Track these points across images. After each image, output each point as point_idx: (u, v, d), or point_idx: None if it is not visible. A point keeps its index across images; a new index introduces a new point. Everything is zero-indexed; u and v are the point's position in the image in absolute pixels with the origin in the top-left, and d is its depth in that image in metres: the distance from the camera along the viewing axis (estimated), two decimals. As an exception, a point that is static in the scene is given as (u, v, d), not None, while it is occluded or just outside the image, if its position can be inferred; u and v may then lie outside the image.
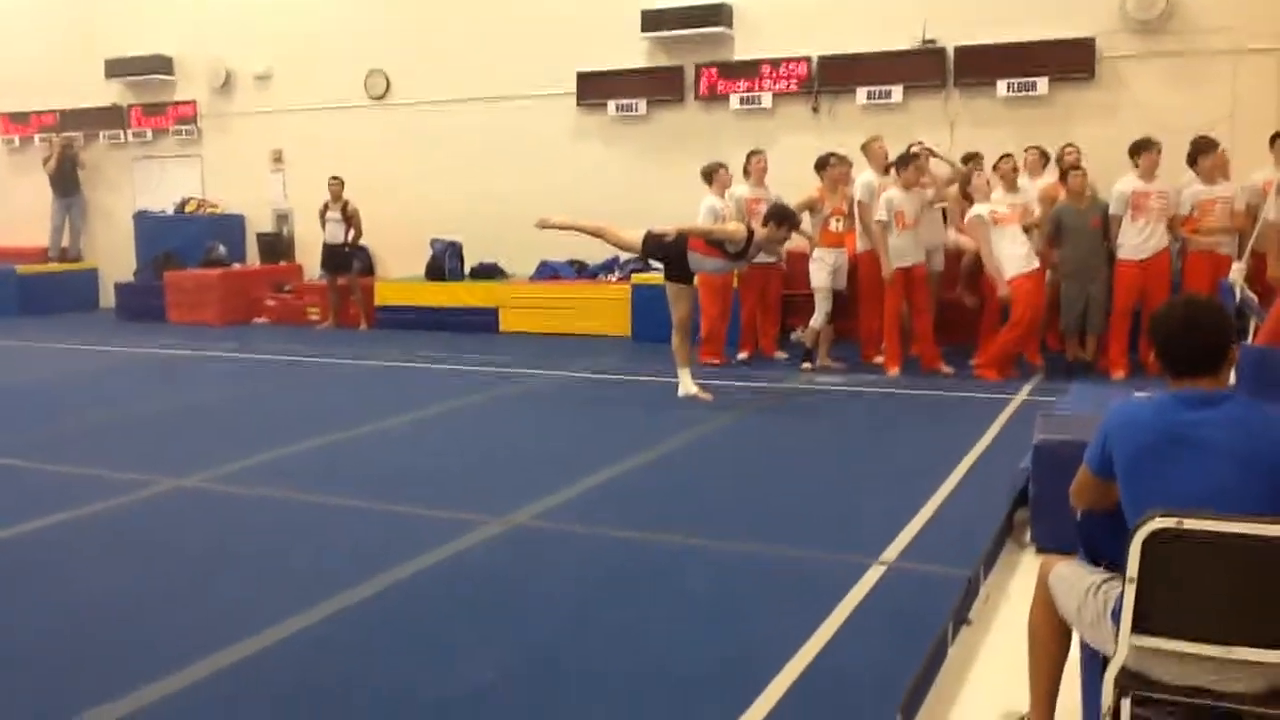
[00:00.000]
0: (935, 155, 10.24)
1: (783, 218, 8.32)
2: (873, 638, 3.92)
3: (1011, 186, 9.43)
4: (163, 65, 16.07)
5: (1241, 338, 2.93)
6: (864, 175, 9.85)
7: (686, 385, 8.30)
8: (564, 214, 9.21)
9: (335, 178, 13.56)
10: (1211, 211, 9.05)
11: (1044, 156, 10.24)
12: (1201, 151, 9.05)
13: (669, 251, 8.35)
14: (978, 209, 9.00)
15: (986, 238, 8.89)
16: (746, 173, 10.40)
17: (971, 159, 9.91)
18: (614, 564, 4.82)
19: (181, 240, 15.47)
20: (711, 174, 10.24)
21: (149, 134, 16.48)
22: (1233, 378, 3.07)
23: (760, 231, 8.29)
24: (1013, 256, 8.83)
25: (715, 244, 8.26)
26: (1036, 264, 8.94)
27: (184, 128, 16.19)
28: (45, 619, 4.29)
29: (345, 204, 13.55)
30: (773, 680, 3.55)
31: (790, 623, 4.00)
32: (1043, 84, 11.31)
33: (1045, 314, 9.32)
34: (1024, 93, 11.40)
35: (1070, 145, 9.89)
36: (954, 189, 9.73)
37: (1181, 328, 2.83)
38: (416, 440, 7.50)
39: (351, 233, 13.62)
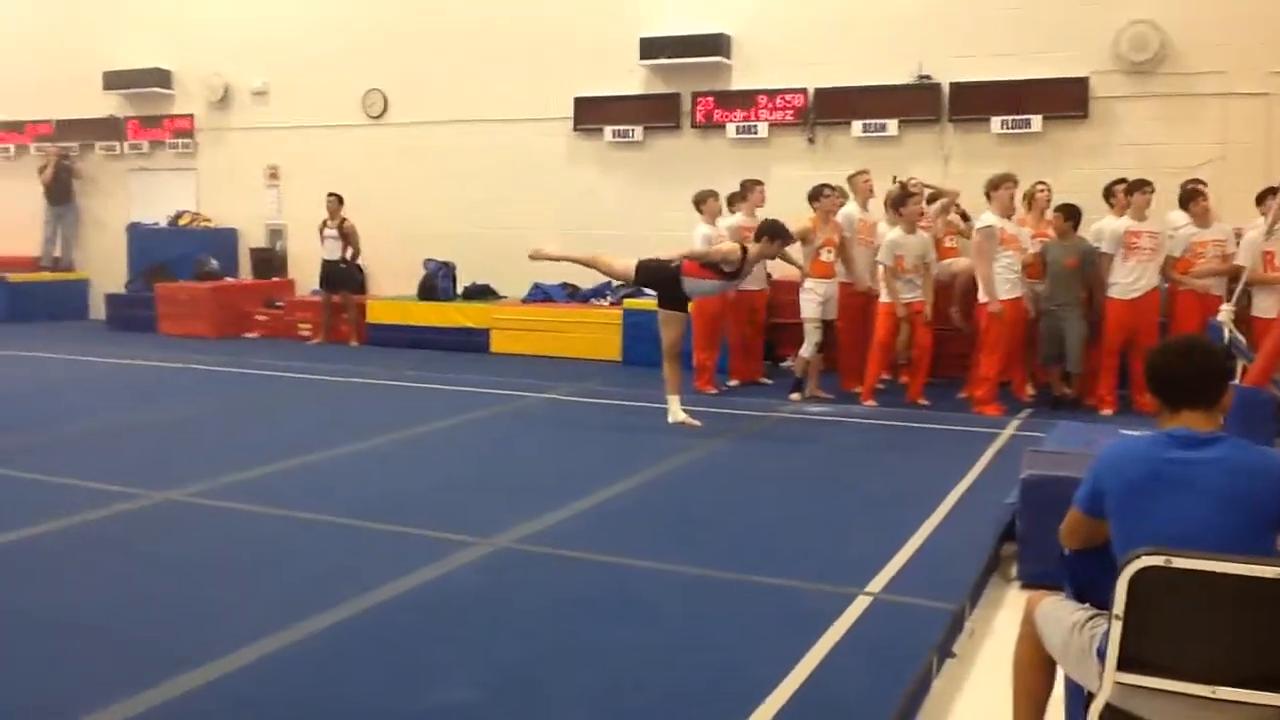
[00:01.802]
0: (928, 187, 10.27)
1: (775, 233, 8.37)
2: (857, 669, 3.91)
3: (1008, 213, 9.23)
4: (161, 78, 16.09)
5: (1229, 378, 2.95)
6: (846, 208, 9.93)
7: (675, 412, 8.30)
8: (556, 244, 9.23)
9: (333, 194, 13.61)
10: (1204, 254, 9.13)
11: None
12: (1194, 196, 9.16)
13: (662, 278, 8.38)
14: (988, 219, 9.04)
15: (991, 252, 8.93)
16: (743, 199, 10.45)
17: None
18: (598, 589, 4.80)
19: (174, 253, 15.46)
20: (702, 202, 10.29)
21: (145, 146, 16.49)
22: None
23: (753, 248, 8.35)
24: (1004, 278, 8.90)
25: (710, 266, 8.28)
26: (1019, 293, 9.04)
27: (180, 141, 16.20)
28: (17, 630, 4.26)
29: (342, 221, 13.60)
30: (756, 709, 3.53)
31: (775, 652, 3.99)
32: (1036, 122, 11.41)
33: (1024, 348, 9.38)
34: (1017, 130, 11.49)
35: (1041, 183, 9.95)
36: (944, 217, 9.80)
37: (1182, 360, 2.85)
38: (403, 460, 7.48)
39: (349, 250, 13.65)
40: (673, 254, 8.38)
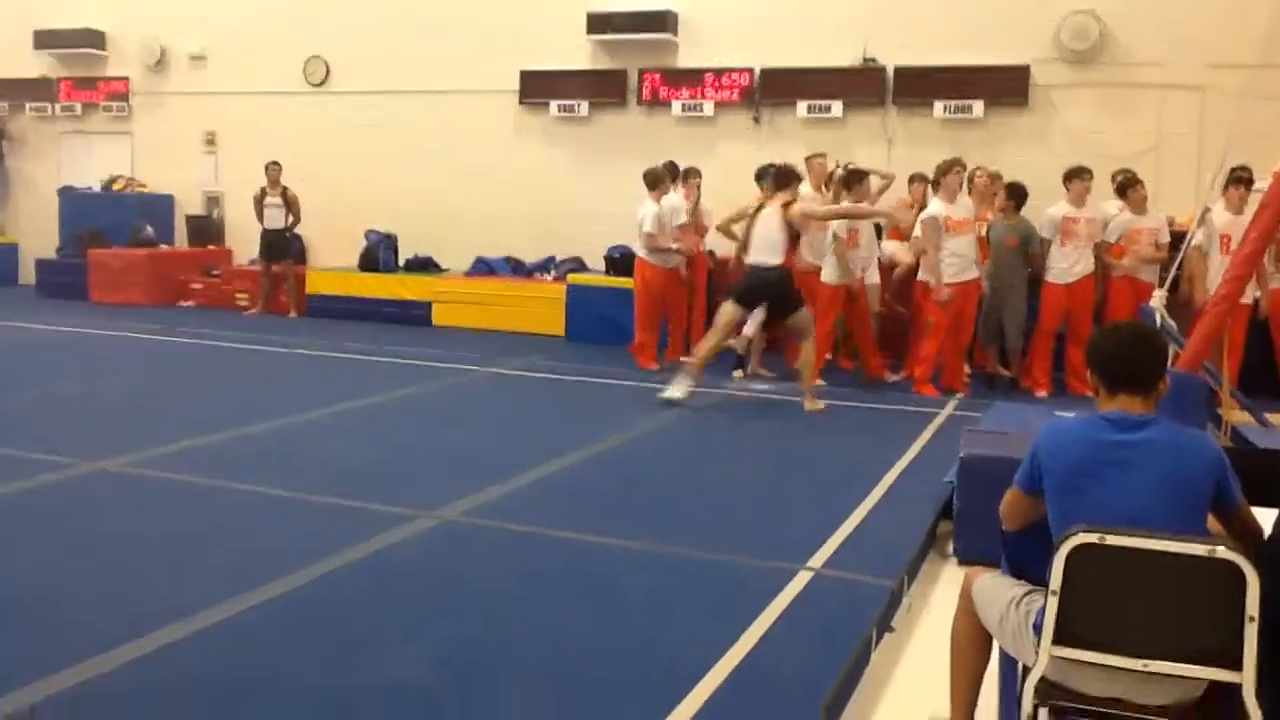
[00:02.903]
0: (871, 171, 10.34)
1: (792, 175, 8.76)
2: (798, 643, 3.97)
3: (953, 199, 9.34)
4: (95, 39, 15.69)
5: (1167, 366, 3.03)
6: (801, 188, 9.92)
7: (812, 403, 8.41)
8: (705, 351, 8.69)
9: (274, 163, 13.38)
10: (1139, 241, 9.32)
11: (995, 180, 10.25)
12: (1131, 184, 9.35)
13: (767, 288, 8.40)
14: (932, 209, 9.15)
15: (936, 241, 9.04)
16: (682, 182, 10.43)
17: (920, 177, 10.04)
18: (542, 563, 4.81)
19: (108, 219, 15.12)
20: (658, 181, 10.17)
21: (78, 108, 16.08)
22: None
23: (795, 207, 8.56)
24: (951, 263, 9.01)
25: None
26: (969, 277, 9.11)
27: (115, 104, 15.82)
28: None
29: (285, 189, 13.38)
30: (699, 683, 3.58)
31: (717, 626, 4.03)
32: (978, 107, 11.56)
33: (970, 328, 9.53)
34: (960, 115, 11.63)
35: (980, 168, 10.05)
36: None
37: (1126, 344, 2.92)
38: (344, 432, 7.42)
39: (290, 218, 13.45)
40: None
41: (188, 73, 15.38)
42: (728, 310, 8.51)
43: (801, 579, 4.59)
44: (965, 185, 9.85)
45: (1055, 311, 9.28)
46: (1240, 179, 8.72)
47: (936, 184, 9.29)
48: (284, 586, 4.36)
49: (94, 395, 8.43)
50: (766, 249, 8.41)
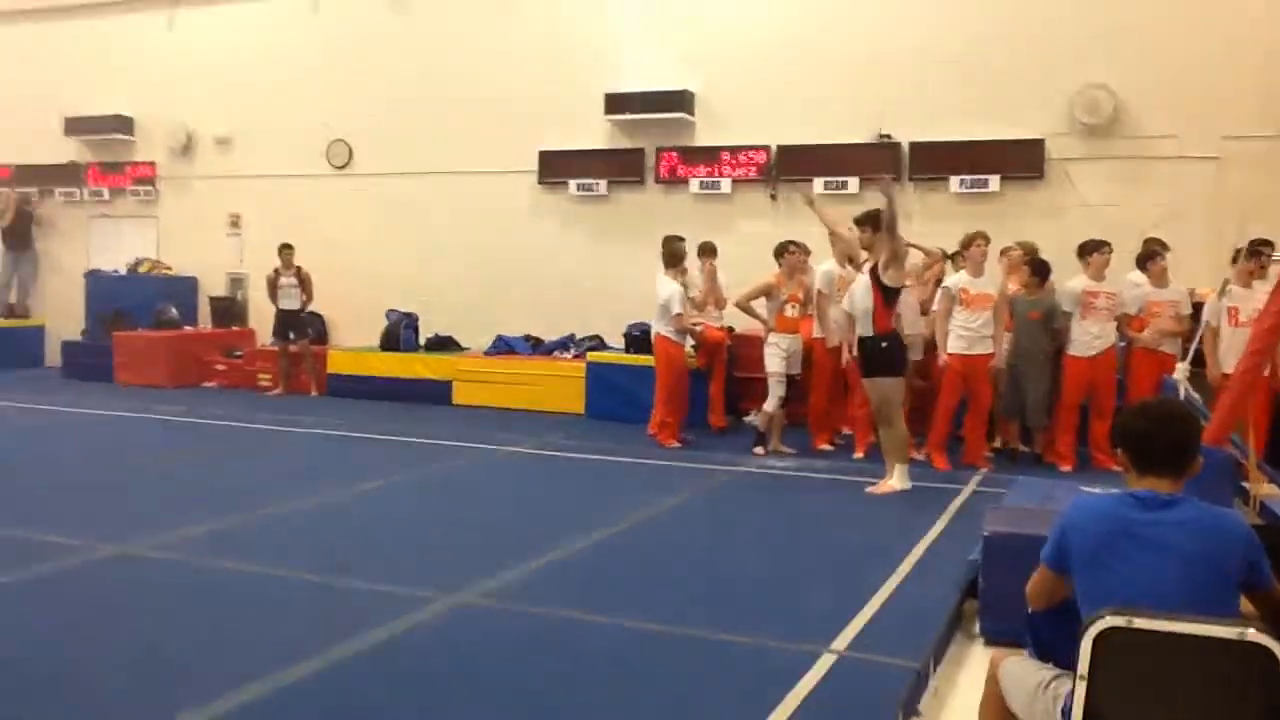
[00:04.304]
0: (914, 246, 10.26)
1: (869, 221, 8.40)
2: (822, 728, 3.90)
3: (978, 272, 9.25)
4: (123, 125, 16.06)
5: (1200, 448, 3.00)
6: (825, 265, 9.98)
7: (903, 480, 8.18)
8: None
9: (286, 245, 13.56)
10: (1159, 313, 9.29)
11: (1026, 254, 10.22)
12: (1151, 256, 9.36)
13: (879, 352, 8.18)
14: (950, 279, 9.19)
15: (946, 310, 9.06)
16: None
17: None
18: (562, 647, 4.75)
19: (133, 300, 15.31)
20: (680, 258, 10.26)
21: (106, 193, 16.40)
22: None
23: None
24: (957, 335, 9.01)
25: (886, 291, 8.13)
26: (981, 350, 9.06)
27: (142, 188, 16.13)
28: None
29: (298, 269, 13.55)
30: (722, 770, 3.51)
31: (741, 712, 3.97)
32: (994, 181, 11.64)
33: (990, 403, 9.46)
34: (976, 189, 11.70)
35: (1019, 243, 10.07)
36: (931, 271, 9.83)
37: (1159, 424, 2.89)
38: (363, 513, 7.40)
39: (305, 297, 13.60)
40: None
41: (213, 156, 15.68)
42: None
43: (826, 661, 4.52)
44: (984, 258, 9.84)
45: (1078, 385, 9.23)
46: (1255, 252, 8.68)
47: (959, 256, 9.33)
48: (303, 671, 4.32)
49: (116, 477, 8.46)
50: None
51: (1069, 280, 9.40)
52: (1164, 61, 11.03)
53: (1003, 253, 9.93)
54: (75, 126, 16.23)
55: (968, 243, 9.22)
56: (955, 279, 9.18)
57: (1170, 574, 2.68)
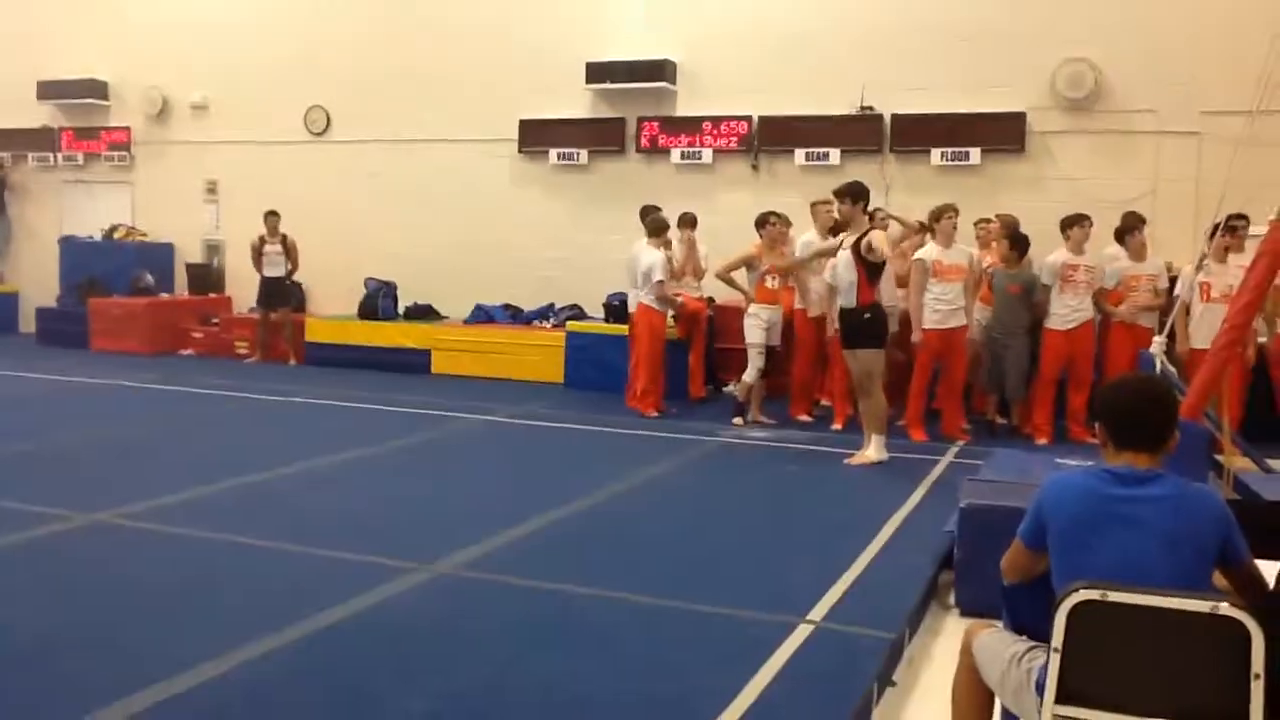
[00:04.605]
0: (893, 218, 10.28)
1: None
2: (799, 698, 3.92)
3: (948, 243, 9.26)
4: (97, 90, 15.83)
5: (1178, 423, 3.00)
6: (805, 236, 9.98)
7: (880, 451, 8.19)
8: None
9: (272, 211, 13.43)
10: (1137, 287, 9.33)
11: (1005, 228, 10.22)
12: (1130, 229, 9.38)
13: (859, 324, 8.20)
14: (923, 252, 9.20)
15: (920, 283, 9.08)
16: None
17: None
18: (541, 615, 4.76)
19: (108, 267, 15.17)
20: (662, 229, 10.21)
21: (80, 158, 16.19)
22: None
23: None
24: (932, 309, 9.04)
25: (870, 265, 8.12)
26: (955, 324, 9.12)
27: (117, 153, 15.93)
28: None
29: (284, 237, 13.43)
30: (698, 740, 3.53)
31: (717, 681, 3.98)
32: (975, 154, 11.64)
33: (967, 376, 9.51)
34: (957, 162, 11.70)
35: (998, 215, 10.12)
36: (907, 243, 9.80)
37: (1136, 400, 2.89)
38: (341, 482, 7.38)
39: (290, 265, 13.50)
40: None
41: (189, 122, 15.49)
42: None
43: (802, 632, 4.54)
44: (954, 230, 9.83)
45: (1056, 358, 9.27)
46: (1231, 228, 8.68)
47: (932, 230, 9.32)
48: (282, 639, 4.32)
49: (91, 445, 8.40)
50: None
51: (1049, 254, 9.42)
52: (1146, 36, 11.02)
53: (976, 224, 9.97)
54: (49, 90, 15.98)
55: (938, 215, 9.23)
56: (926, 251, 9.21)
57: (1148, 550, 2.70)
